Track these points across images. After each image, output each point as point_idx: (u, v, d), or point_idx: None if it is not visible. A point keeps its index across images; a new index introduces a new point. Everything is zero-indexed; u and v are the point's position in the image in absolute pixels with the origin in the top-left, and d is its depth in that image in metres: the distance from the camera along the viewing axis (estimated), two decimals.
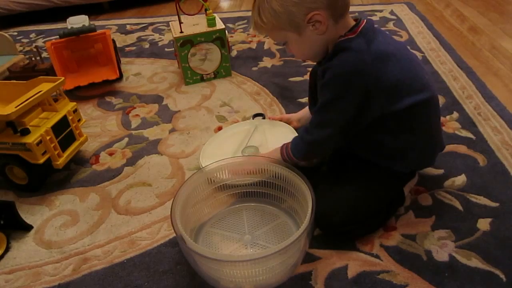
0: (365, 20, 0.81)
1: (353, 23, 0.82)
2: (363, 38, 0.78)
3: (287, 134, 1.11)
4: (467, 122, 1.21)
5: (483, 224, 0.88)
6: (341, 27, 0.81)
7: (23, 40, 2.36)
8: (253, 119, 1.31)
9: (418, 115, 0.83)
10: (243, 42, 1.97)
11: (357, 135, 0.85)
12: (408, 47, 0.94)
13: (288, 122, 1.20)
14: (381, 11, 2.17)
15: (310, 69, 1.60)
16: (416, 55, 0.91)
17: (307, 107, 1.19)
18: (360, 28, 0.79)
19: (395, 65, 0.79)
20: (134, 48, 2.05)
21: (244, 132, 1.22)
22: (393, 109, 0.80)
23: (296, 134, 1.02)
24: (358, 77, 0.77)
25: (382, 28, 1.87)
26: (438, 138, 0.92)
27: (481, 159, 1.06)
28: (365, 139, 0.86)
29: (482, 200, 0.94)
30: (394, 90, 0.79)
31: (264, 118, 1.30)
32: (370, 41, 0.78)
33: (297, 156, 0.92)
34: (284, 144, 0.95)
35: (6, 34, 1.78)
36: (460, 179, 1.00)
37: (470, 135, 1.15)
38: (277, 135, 1.15)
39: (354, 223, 0.85)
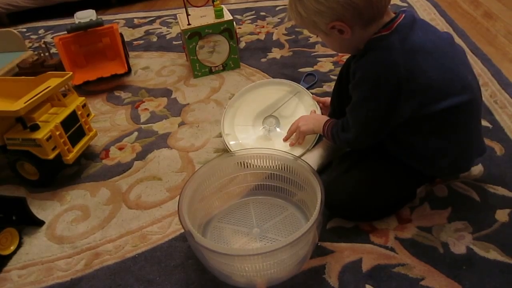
0: (403, 15, 0.76)
1: (390, 17, 0.77)
2: (397, 35, 0.74)
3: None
4: (483, 110, 1.17)
5: (501, 215, 0.85)
6: (374, 27, 0.76)
7: (32, 36, 2.37)
8: (304, 78, 1.32)
9: (455, 119, 0.78)
10: (251, 33, 1.94)
11: (389, 135, 0.83)
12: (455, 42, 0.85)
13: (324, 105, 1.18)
14: None
15: (320, 59, 1.60)
16: (462, 51, 0.84)
17: None
18: (396, 24, 0.74)
19: (431, 64, 0.74)
20: (142, 41, 2.04)
21: (282, 93, 1.23)
22: (427, 111, 0.76)
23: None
24: (386, 77, 0.74)
25: None
26: (477, 143, 0.86)
27: (498, 148, 1.03)
28: (397, 140, 0.83)
29: (500, 190, 0.91)
30: (428, 91, 0.74)
31: (316, 78, 1.35)
32: (405, 37, 0.74)
33: (333, 142, 0.94)
34: (329, 120, 0.96)
35: (15, 31, 1.78)
36: (477, 169, 0.97)
37: (486, 123, 1.12)
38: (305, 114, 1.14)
39: (355, 212, 0.87)
